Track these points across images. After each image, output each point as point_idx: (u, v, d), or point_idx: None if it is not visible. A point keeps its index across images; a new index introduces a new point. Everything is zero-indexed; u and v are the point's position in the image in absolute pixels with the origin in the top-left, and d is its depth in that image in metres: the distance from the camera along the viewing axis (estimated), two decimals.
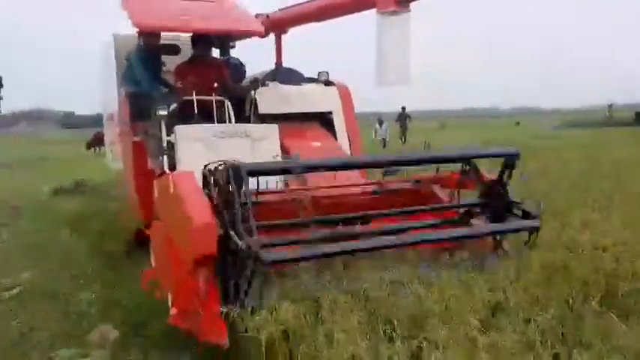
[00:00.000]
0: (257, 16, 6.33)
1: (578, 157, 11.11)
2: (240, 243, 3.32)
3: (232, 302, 3.43)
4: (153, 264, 4.62)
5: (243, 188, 3.45)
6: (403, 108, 25.94)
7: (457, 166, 4.52)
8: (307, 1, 5.81)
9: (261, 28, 5.44)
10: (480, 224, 4.36)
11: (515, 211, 4.18)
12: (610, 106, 40.28)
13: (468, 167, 4.49)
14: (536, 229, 4.00)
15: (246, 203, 3.41)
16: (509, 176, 4.18)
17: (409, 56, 4.98)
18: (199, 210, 3.51)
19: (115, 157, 6.60)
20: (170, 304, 3.89)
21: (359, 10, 5.26)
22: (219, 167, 3.56)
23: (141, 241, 5.03)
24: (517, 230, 4.14)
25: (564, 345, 2.90)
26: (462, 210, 4.57)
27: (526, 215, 4.09)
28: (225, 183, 3.51)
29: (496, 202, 4.28)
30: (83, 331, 4.13)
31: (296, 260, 3.57)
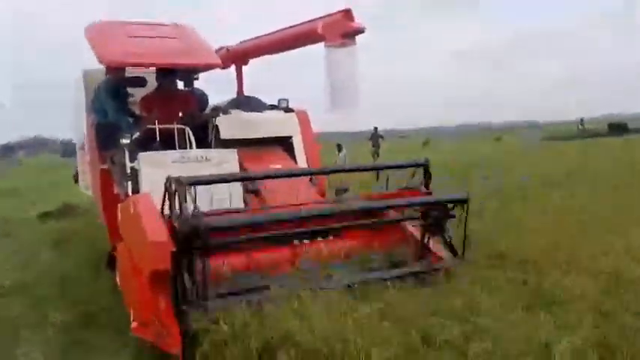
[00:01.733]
0: (219, 49, 6.67)
1: None
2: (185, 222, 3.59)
3: (192, 303, 3.67)
4: (118, 283, 4.86)
5: (188, 198, 3.73)
6: (375, 128, 26.31)
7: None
8: (263, 35, 6.16)
9: (219, 61, 5.75)
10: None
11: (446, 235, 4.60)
12: (581, 120, 41.49)
13: (405, 186, 4.98)
14: (465, 201, 4.39)
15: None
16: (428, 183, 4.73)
17: (357, 83, 5.35)
18: (154, 227, 3.78)
19: (87, 184, 6.83)
20: (131, 317, 4.13)
21: (309, 43, 5.62)
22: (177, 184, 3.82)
23: (112, 264, 5.22)
24: (447, 201, 4.54)
25: None
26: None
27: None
28: (172, 196, 3.81)
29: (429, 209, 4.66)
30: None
31: (234, 227, 3.87)
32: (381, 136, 25.72)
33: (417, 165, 4.83)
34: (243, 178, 5.04)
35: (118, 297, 4.59)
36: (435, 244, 4.75)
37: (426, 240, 4.72)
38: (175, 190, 3.80)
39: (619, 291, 3.77)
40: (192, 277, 3.72)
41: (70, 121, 7.22)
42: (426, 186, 4.78)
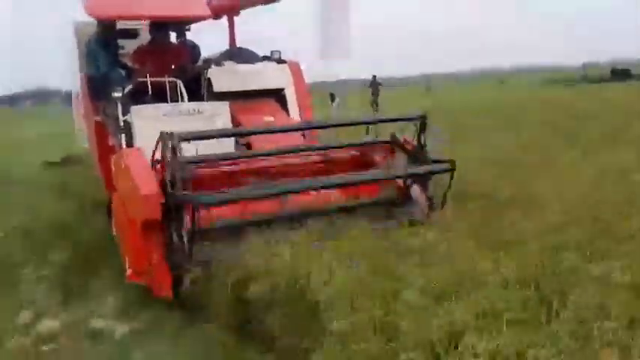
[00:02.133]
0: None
1: None
2: (178, 194, 3.80)
3: (180, 257, 3.90)
4: (114, 232, 5.06)
5: (179, 153, 3.87)
6: (374, 76, 26.14)
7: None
8: None
9: (209, 13, 5.71)
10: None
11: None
12: (584, 65, 41.01)
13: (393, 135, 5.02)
14: (451, 170, 4.49)
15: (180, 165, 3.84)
16: (425, 137, 4.70)
17: (348, 32, 5.31)
18: (145, 180, 3.96)
19: (83, 136, 6.92)
20: (127, 264, 4.34)
21: None
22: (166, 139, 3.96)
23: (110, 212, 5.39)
24: (432, 172, 4.68)
25: None
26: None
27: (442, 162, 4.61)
28: (164, 150, 3.98)
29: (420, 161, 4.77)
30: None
31: (224, 201, 3.97)
32: (380, 84, 25.56)
33: (413, 119, 4.75)
34: (235, 134, 5.13)
35: (112, 241, 4.89)
36: (417, 193, 4.87)
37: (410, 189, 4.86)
38: (168, 145, 3.93)
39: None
40: (179, 228, 3.90)
41: (66, 73, 7.26)
42: (419, 141, 4.75)
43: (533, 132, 9.66)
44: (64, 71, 7.15)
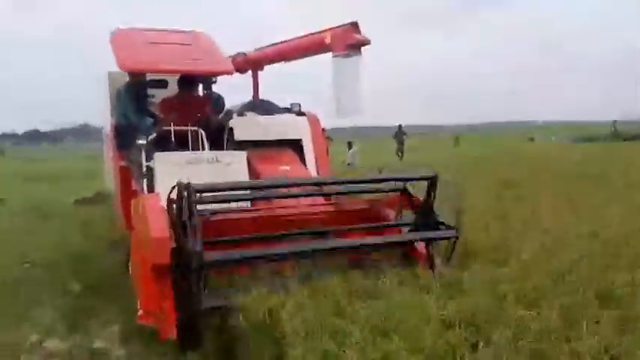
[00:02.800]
0: (237, 54, 6.92)
1: None
2: (189, 247, 3.88)
3: (188, 306, 3.98)
4: (130, 271, 5.18)
5: (195, 205, 4.00)
6: (399, 126, 26.44)
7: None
8: (278, 43, 6.38)
9: (231, 68, 5.98)
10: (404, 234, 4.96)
11: (442, 227, 4.72)
12: (614, 122, 40.46)
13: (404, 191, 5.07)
14: (455, 238, 4.53)
15: (192, 215, 3.95)
16: (434, 196, 4.73)
17: (361, 91, 5.54)
18: (157, 225, 4.05)
19: (110, 178, 7.19)
20: (138, 305, 4.37)
21: (318, 52, 5.82)
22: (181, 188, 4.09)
23: None
24: (436, 239, 4.70)
25: None
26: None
27: (447, 228, 4.63)
28: (179, 200, 4.08)
29: (426, 219, 4.80)
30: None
31: (232, 261, 4.12)
32: (405, 134, 25.83)
33: (425, 178, 4.80)
34: (249, 187, 5.20)
35: (123, 275, 5.26)
36: (421, 248, 4.88)
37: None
38: (184, 196, 4.04)
39: None
40: (188, 279, 4.00)
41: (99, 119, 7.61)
42: (428, 199, 4.77)
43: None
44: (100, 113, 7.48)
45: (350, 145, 23.06)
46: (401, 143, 25.71)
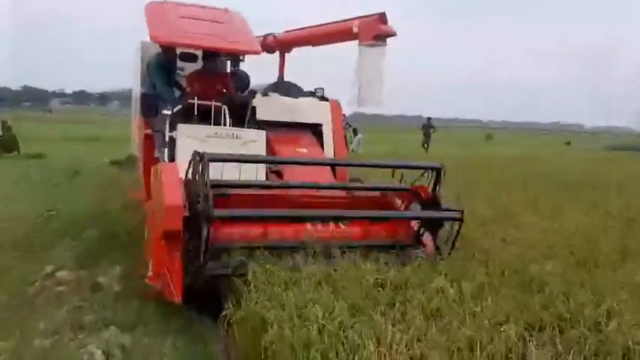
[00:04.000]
0: (268, 35, 6.88)
1: None
2: (198, 206, 3.99)
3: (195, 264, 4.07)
4: (146, 235, 5.28)
5: (206, 174, 4.05)
6: (429, 119, 26.14)
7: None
8: (307, 27, 6.33)
9: (258, 49, 5.96)
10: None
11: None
12: None
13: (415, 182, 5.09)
14: (459, 220, 4.57)
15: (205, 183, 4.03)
16: (440, 188, 4.76)
17: (383, 83, 5.47)
18: (172, 193, 4.13)
19: (135, 144, 7.29)
20: (150, 266, 4.54)
21: (345, 40, 5.76)
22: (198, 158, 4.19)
23: None
24: (442, 219, 4.74)
25: None
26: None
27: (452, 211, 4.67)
28: (194, 168, 4.19)
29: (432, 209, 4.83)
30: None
31: (241, 218, 4.20)
32: (433, 127, 25.42)
33: (431, 168, 4.86)
34: (262, 161, 5.29)
35: (135, 231, 5.96)
36: (428, 239, 4.92)
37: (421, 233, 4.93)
38: (198, 163, 4.14)
39: None
40: (196, 241, 4.07)
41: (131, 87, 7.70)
42: (434, 190, 4.81)
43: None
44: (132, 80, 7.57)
45: (355, 132, 23.08)
46: (427, 136, 25.36)
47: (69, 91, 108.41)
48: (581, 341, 2.93)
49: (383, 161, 5.57)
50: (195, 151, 4.27)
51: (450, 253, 4.61)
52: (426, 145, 25.00)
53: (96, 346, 3.73)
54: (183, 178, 4.37)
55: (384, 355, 2.77)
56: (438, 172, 4.81)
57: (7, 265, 5.26)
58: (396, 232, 5.06)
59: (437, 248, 4.78)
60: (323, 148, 6.40)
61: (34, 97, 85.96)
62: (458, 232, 4.63)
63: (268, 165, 5.65)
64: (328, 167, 5.85)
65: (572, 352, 2.83)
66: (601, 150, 31.63)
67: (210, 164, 4.10)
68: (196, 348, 3.96)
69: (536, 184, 10.36)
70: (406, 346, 2.86)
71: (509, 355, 2.82)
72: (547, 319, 3.19)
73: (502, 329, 2.99)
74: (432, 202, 4.86)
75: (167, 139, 5.52)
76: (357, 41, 5.56)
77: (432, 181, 4.85)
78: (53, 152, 15.34)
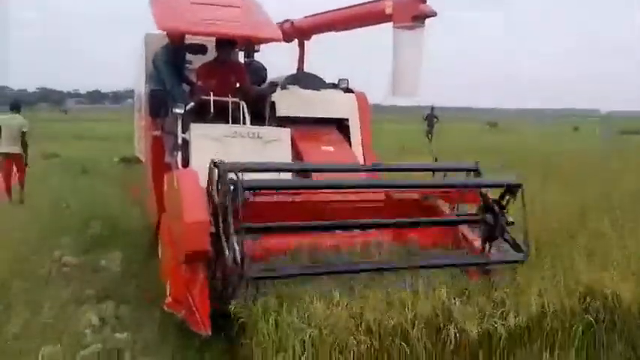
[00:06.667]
0: (284, 22, 5.86)
1: None
2: (228, 255, 3.12)
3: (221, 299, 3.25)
4: (159, 254, 4.45)
5: (239, 202, 3.20)
6: (432, 108, 25.00)
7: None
8: (330, 11, 5.30)
9: (279, 35, 5.00)
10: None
11: (506, 236, 3.79)
12: None
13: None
14: (521, 262, 3.67)
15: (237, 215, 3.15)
16: (508, 202, 3.80)
17: (420, 70, 4.52)
18: (194, 207, 3.32)
19: (140, 148, 6.31)
20: (167, 291, 3.77)
21: (376, 22, 4.79)
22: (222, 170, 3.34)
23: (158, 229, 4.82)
24: (504, 262, 3.78)
25: None
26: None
27: (515, 246, 3.74)
28: (224, 191, 3.30)
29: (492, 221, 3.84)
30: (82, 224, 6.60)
31: (281, 277, 3.32)
32: (436, 117, 24.32)
33: (468, 170, 4.14)
34: (292, 170, 4.42)
35: (135, 224, 6.45)
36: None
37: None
38: (221, 174, 3.32)
39: None
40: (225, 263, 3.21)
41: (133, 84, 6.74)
42: (500, 208, 3.85)
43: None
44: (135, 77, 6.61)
45: None
46: (431, 126, 24.33)
47: (83, 91, 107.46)
48: None
49: (418, 164, 4.62)
50: (212, 160, 3.42)
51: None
52: (429, 135, 24.00)
53: (94, 316, 3.94)
54: (204, 186, 3.51)
55: None
56: (475, 173, 4.09)
57: (23, 255, 5.34)
58: (444, 240, 4.18)
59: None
60: (350, 144, 5.42)
61: (50, 99, 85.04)
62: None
63: None
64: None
65: None
66: (617, 135, 29.41)
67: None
68: None
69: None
70: None
71: None
72: None
73: None
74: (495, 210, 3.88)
75: (179, 141, 4.56)
76: (389, 24, 4.53)
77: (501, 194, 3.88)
78: (67, 151, 15.19)
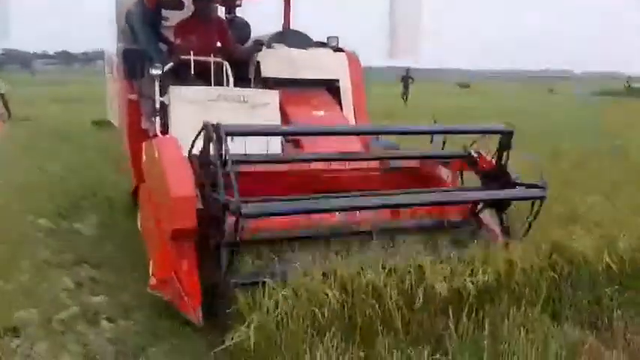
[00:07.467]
0: None
1: None
2: (220, 199, 2.80)
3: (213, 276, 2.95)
4: (139, 226, 4.04)
5: (224, 149, 2.90)
6: (407, 70, 24.70)
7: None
8: None
9: None
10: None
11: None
12: (629, 78, 37.51)
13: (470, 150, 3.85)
14: (542, 198, 3.40)
15: (225, 164, 2.87)
16: (507, 157, 3.58)
17: (419, 31, 4.14)
18: (180, 180, 2.94)
19: (114, 112, 5.80)
20: (150, 270, 3.36)
21: None
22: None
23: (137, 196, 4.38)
24: (523, 198, 3.57)
25: None
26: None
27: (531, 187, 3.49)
28: (206, 144, 3.02)
29: (498, 184, 3.62)
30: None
31: (277, 214, 3.05)
32: (412, 78, 24.03)
33: (495, 132, 3.66)
34: (285, 133, 4.09)
35: (110, 187, 6.17)
36: (488, 219, 3.76)
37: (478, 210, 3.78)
38: (213, 140, 2.96)
39: None
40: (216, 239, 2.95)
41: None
42: (500, 160, 3.60)
43: None
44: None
45: None
46: (406, 87, 24.10)
47: (51, 52, 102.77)
48: None
49: (425, 126, 4.16)
50: (205, 122, 3.03)
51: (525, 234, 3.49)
52: (405, 97, 23.81)
53: (70, 280, 3.83)
54: (186, 154, 3.17)
55: None
56: (507, 137, 3.56)
57: None
58: (443, 207, 3.87)
59: (505, 230, 3.62)
60: (341, 108, 5.02)
61: (17, 60, 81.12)
62: (537, 212, 3.44)
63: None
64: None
65: None
66: (592, 96, 29.46)
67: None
68: None
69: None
70: None
71: None
72: None
73: None
74: (498, 174, 3.63)
75: (158, 105, 4.10)
76: None
77: (497, 149, 3.63)
78: (38, 115, 14.48)
